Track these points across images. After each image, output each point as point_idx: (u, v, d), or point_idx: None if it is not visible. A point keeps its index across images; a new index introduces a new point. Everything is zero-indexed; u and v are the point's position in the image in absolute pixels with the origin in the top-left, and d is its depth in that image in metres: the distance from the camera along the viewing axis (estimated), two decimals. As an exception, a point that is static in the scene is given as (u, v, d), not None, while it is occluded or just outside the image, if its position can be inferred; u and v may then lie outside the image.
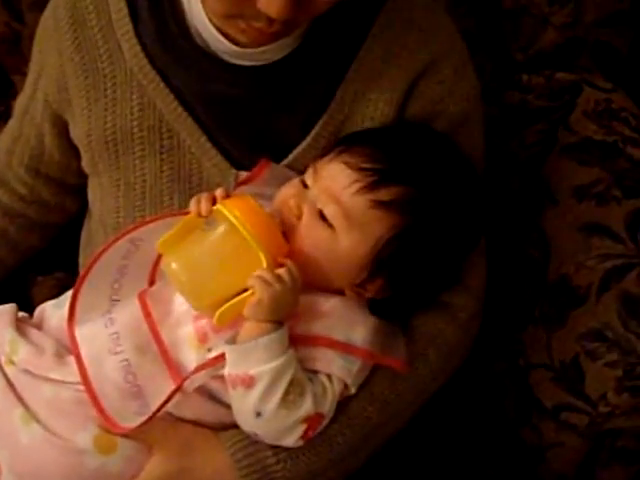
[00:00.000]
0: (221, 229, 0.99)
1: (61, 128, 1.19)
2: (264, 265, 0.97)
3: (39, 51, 1.19)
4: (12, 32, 1.48)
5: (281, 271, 0.97)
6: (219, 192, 1.03)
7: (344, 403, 1.04)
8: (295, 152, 1.12)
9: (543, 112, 1.40)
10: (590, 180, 1.28)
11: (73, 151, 1.21)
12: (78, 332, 1.04)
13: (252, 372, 0.96)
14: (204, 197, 1.03)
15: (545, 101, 1.41)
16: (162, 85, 1.11)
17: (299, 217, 1.02)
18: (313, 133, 1.12)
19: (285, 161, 1.13)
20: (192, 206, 1.03)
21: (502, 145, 1.39)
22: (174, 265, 0.99)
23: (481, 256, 1.17)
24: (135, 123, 1.13)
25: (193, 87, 1.11)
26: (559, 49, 1.44)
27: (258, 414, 0.98)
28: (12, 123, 1.27)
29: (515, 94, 1.44)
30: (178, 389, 0.98)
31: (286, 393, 0.97)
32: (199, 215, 1.02)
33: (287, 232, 1.02)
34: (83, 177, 1.23)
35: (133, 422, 0.98)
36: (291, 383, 0.97)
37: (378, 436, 1.08)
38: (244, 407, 0.99)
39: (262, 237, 0.97)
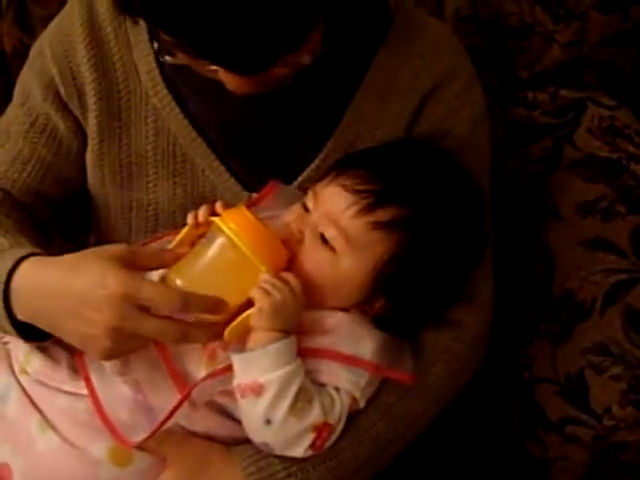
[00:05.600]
0: (219, 242, 1.00)
1: (86, 139, 1.16)
2: (263, 274, 0.98)
3: (43, 64, 1.14)
4: (24, 47, 1.49)
5: (277, 281, 0.98)
6: (217, 205, 1.05)
7: (354, 417, 1.05)
8: (305, 173, 1.14)
9: (548, 129, 1.41)
10: (595, 196, 1.30)
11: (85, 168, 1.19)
12: (87, 358, 1.04)
13: (261, 380, 0.98)
14: (201, 210, 1.05)
15: (550, 118, 1.42)
16: (177, 110, 1.12)
17: (301, 241, 1.04)
18: (322, 154, 1.13)
19: (296, 182, 1.14)
20: (189, 219, 1.05)
21: (507, 161, 1.40)
22: (178, 282, 0.99)
23: (489, 270, 1.18)
24: (150, 147, 1.14)
25: (206, 112, 1.12)
26: (564, 67, 1.46)
27: (268, 422, 0.99)
28: (10, 146, 1.17)
29: (520, 111, 1.45)
30: (185, 398, 0.99)
31: (295, 400, 0.98)
32: (196, 226, 1.03)
33: (292, 256, 1.03)
34: (73, 196, 1.22)
35: (141, 437, 0.99)
36: (300, 391, 0.98)
37: (389, 450, 1.09)
38: (254, 415, 1.00)
39: (258, 247, 0.98)
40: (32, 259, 1.01)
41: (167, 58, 0.96)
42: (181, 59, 0.95)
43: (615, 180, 1.31)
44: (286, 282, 0.99)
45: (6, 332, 1.03)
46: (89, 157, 1.16)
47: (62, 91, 1.13)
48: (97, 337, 0.94)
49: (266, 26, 0.86)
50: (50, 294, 0.97)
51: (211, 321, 0.98)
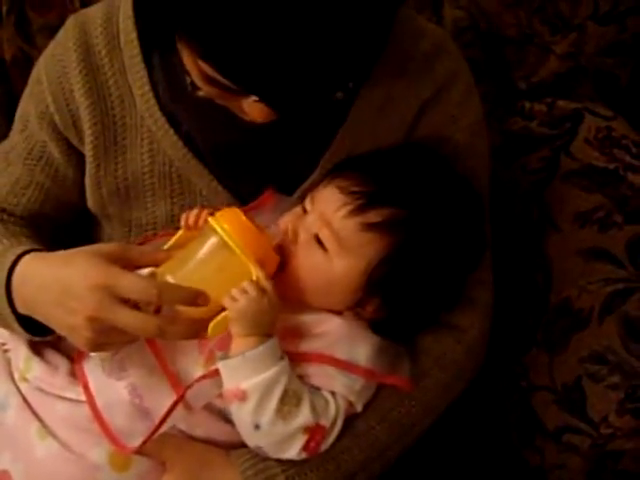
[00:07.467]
0: (211, 241, 1.00)
1: (83, 165, 1.16)
2: (253, 276, 0.99)
3: (40, 92, 1.13)
4: (24, 55, 1.49)
5: (245, 284, 0.98)
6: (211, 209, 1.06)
7: (351, 421, 1.06)
8: (303, 186, 1.14)
9: (545, 139, 1.41)
10: (592, 206, 1.30)
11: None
12: (86, 365, 1.05)
13: (243, 386, 0.98)
14: (193, 213, 1.06)
15: (547, 128, 1.43)
16: (171, 132, 1.11)
17: (295, 241, 1.04)
18: (320, 167, 1.13)
19: (294, 196, 1.14)
20: (182, 220, 1.06)
21: (505, 171, 1.40)
22: (168, 278, 0.99)
23: (488, 275, 1.19)
24: (146, 170, 1.14)
25: (200, 133, 1.12)
26: (561, 78, 1.46)
27: (256, 426, 1.00)
28: (11, 171, 1.17)
29: (518, 121, 1.46)
30: (179, 400, 0.99)
31: (280, 404, 0.99)
32: (187, 227, 1.05)
33: (286, 256, 1.04)
34: (76, 216, 1.22)
35: (139, 442, 1.00)
36: (285, 394, 0.99)
37: (387, 454, 1.09)
38: (243, 421, 1.01)
39: (249, 247, 0.99)
40: (32, 254, 1.05)
41: (200, 93, 0.97)
42: (213, 93, 0.95)
43: (612, 190, 1.31)
44: (253, 285, 0.98)
45: (11, 328, 1.06)
46: (87, 180, 1.16)
47: (57, 119, 1.12)
48: (79, 327, 0.96)
49: (324, 70, 0.87)
50: (41, 285, 1.00)
51: (195, 317, 0.98)
